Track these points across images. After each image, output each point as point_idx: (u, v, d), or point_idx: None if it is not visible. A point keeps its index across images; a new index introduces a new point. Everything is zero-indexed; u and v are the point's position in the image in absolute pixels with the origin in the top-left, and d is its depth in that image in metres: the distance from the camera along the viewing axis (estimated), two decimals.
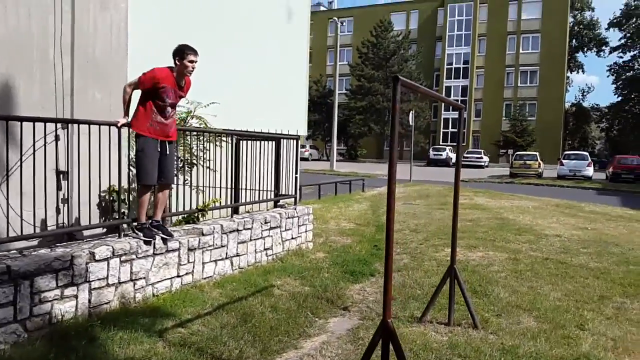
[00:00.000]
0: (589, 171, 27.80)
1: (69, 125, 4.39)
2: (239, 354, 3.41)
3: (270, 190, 6.81)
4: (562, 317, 4.38)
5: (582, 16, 59.12)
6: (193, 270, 4.79)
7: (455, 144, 5.06)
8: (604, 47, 58.51)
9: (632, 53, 52.72)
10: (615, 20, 53.09)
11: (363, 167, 34.98)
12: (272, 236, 6.07)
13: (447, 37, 53.03)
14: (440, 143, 50.54)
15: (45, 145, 3.93)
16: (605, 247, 7.47)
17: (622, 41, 53.04)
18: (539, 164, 29.35)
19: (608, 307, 4.73)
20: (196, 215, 5.46)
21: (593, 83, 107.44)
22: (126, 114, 4.38)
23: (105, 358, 3.20)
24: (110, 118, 4.53)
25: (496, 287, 5.21)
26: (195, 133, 5.69)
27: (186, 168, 5.71)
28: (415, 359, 3.49)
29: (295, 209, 6.68)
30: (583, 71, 66.74)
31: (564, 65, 50.46)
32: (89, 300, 3.77)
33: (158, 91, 4.22)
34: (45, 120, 3.88)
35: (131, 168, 4.72)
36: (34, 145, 3.73)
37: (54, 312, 3.50)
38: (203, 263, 4.91)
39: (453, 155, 39.93)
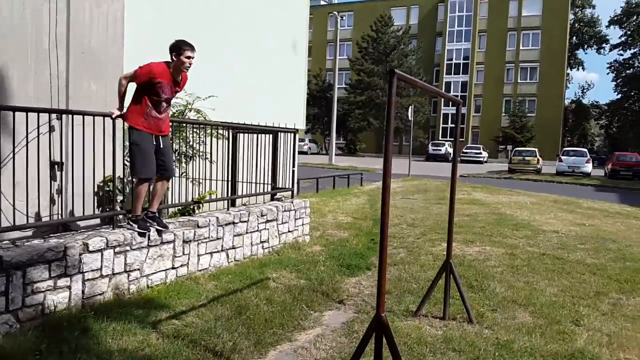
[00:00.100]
0: (588, 168, 27.83)
1: (64, 115, 4.35)
2: (233, 346, 3.40)
3: (268, 184, 6.79)
4: (558, 313, 4.37)
5: (582, 13, 59.02)
6: (188, 262, 4.77)
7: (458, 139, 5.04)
8: (604, 45, 58.50)
9: (632, 51, 52.69)
10: (615, 18, 53.00)
11: (362, 161, 34.95)
12: (268, 229, 6.05)
13: (447, 32, 52.91)
14: (440, 138, 50.51)
15: (38, 135, 3.90)
16: (602, 244, 7.46)
17: (623, 39, 53.00)
18: (538, 160, 29.36)
19: (604, 303, 4.72)
20: (192, 207, 5.44)
21: (593, 80, 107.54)
22: (121, 105, 4.34)
23: (98, 349, 3.18)
24: (105, 109, 4.49)
25: (492, 282, 5.20)
26: (191, 125, 5.65)
27: (183, 160, 5.69)
28: (409, 352, 3.47)
29: (292, 202, 6.65)
30: (583, 68, 66.76)
31: (564, 62, 50.42)
32: (83, 291, 3.75)
33: (154, 86, 4.16)
34: (38, 111, 3.85)
35: (126, 162, 4.68)
36: (26, 135, 3.69)
37: (46, 302, 3.47)
38: (198, 255, 4.89)
39: (452, 151, 39.87)
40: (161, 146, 4.32)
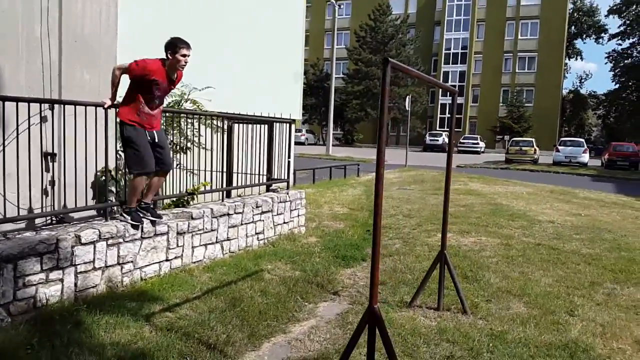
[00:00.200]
0: (585, 158, 27.84)
1: (56, 105, 4.30)
2: (226, 339, 3.39)
3: (263, 175, 6.76)
4: (552, 303, 4.37)
5: (581, 3, 58.75)
6: (182, 254, 4.75)
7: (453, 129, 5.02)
8: (602, 34, 58.31)
9: (631, 40, 52.48)
10: (615, 8, 52.69)
11: (359, 152, 34.89)
12: (263, 220, 6.03)
13: (445, 21, 52.61)
14: (437, 128, 50.44)
15: (29, 126, 3.85)
16: (598, 234, 7.47)
17: (622, 28, 52.74)
18: (535, 150, 29.34)
19: (598, 293, 4.73)
20: (186, 198, 5.41)
21: (591, 70, 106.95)
22: (114, 95, 4.28)
23: (90, 343, 3.17)
24: (99, 99, 4.44)
25: (487, 273, 5.20)
26: (185, 115, 5.60)
27: (177, 150, 5.65)
28: (403, 343, 3.47)
29: (287, 194, 6.63)
30: (581, 58, 66.52)
31: (563, 51, 50.25)
32: (75, 284, 3.73)
33: (148, 83, 4.08)
34: (28, 101, 3.79)
35: (120, 153, 4.64)
36: (17, 126, 3.64)
37: (38, 296, 3.45)
38: (192, 247, 4.87)
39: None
40: (157, 140, 4.27)
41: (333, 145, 33.94)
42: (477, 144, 40.70)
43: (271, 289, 4.44)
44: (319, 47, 57.52)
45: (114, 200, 4.55)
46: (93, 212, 4.75)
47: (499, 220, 8.24)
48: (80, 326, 3.34)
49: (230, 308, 3.92)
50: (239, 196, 6.36)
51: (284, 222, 6.53)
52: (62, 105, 4.31)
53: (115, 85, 4.23)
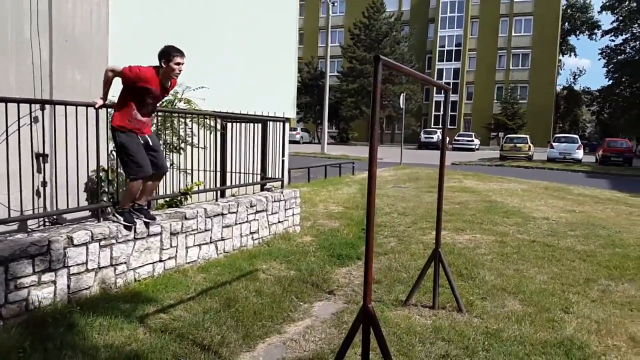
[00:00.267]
0: (579, 154, 27.97)
1: (47, 106, 4.26)
2: (221, 340, 3.37)
3: (257, 174, 6.74)
4: (547, 300, 4.38)
5: None
6: (176, 255, 4.72)
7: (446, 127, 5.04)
8: (596, 30, 58.48)
9: (624, 36, 52.57)
10: (607, 4, 52.81)
11: (354, 150, 34.89)
12: (258, 220, 6.01)
13: (439, 19, 52.63)
14: (432, 126, 50.49)
15: (19, 127, 3.81)
16: (592, 230, 7.50)
17: (614, 24, 52.85)
18: (529, 146, 29.45)
19: (593, 289, 4.74)
20: (179, 198, 5.38)
21: (585, 66, 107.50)
22: (105, 96, 4.24)
23: (84, 345, 3.14)
24: (90, 99, 4.40)
25: (482, 270, 5.20)
26: (178, 115, 5.56)
27: (169, 150, 5.61)
28: (398, 342, 3.46)
29: (282, 193, 6.61)
30: (575, 54, 66.80)
31: (556, 48, 50.39)
32: (68, 286, 3.70)
33: (140, 90, 4.03)
34: (18, 101, 3.74)
35: (112, 153, 4.60)
36: (6, 127, 3.60)
37: (30, 298, 3.42)
38: (186, 247, 4.84)
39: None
40: (150, 143, 4.24)
41: (328, 144, 33.98)
42: (472, 141, 40.77)
43: (266, 289, 4.42)
44: (313, 45, 57.45)
45: (107, 200, 4.52)
46: (87, 213, 4.72)
47: (493, 217, 8.25)
48: (73, 328, 3.31)
49: (224, 309, 3.90)
50: (233, 196, 6.33)
51: (279, 222, 6.50)
52: (53, 106, 4.27)
53: (106, 85, 4.19)
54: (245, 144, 6.32)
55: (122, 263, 4.14)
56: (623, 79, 51.73)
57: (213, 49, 7.56)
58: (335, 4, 49.67)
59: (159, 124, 5.42)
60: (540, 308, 4.19)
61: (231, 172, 6.53)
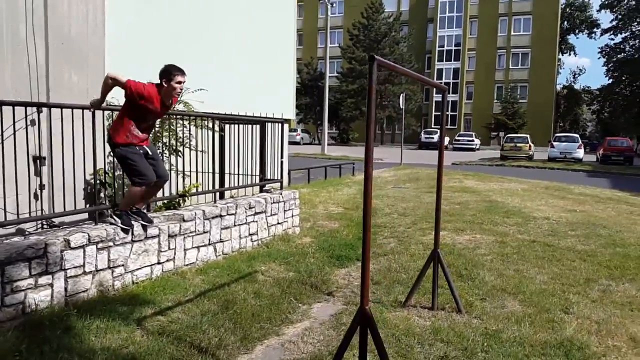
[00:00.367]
0: (580, 153, 27.93)
1: (43, 109, 4.24)
2: (219, 342, 3.35)
3: (256, 175, 6.72)
4: (548, 301, 4.35)
5: None
6: (174, 257, 4.70)
7: (446, 127, 5.02)
8: (595, 29, 58.50)
9: (623, 35, 52.52)
10: (607, 2, 52.77)
11: (354, 150, 34.86)
12: (257, 221, 5.99)
13: (438, 19, 52.65)
14: (432, 126, 50.48)
15: (14, 131, 3.79)
16: (593, 230, 7.47)
17: (614, 23, 52.79)
18: (530, 146, 29.41)
19: (593, 290, 4.71)
20: (177, 200, 5.36)
21: (584, 65, 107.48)
22: (102, 99, 4.20)
23: (80, 348, 3.12)
24: (87, 101, 4.37)
25: (482, 271, 5.17)
26: (175, 117, 5.54)
27: (167, 153, 5.59)
28: (397, 344, 3.44)
29: (281, 194, 6.58)
30: (574, 53, 66.39)
31: (555, 47, 50.39)
32: (65, 289, 3.68)
33: (140, 108, 4.01)
34: (13, 104, 3.72)
35: (110, 156, 4.58)
36: (2, 131, 3.58)
37: (27, 301, 3.40)
38: (185, 249, 4.82)
39: (445, 138, 39.91)
40: (149, 152, 4.23)
41: (328, 145, 33.95)
42: (472, 141, 40.77)
43: (265, 291, 4.40)
44: (313, 45, 57.46)
45: (106, 203, 4.50)
46: (84, 216, 4.71)
47: (493, 217, 8.23)
48: (70, 331, 3.29)
49: (223, 311, 3.88)
50: (232, 197, 6.31)
51: (278, 223, 6.48)
52: (49, 108, 4.25)
53: (104, 94, 4.11)
54: (244, 146, 6.30)
55: (119, 265, 4.12)
56: (623, 78, 51.67)
57: (211, 49, 7.55)
58: (334, 5, 49.63)
59: (157, 126, 5.40)
60: (540, 308, 4.17)
61: (230, 173, 6.51)
